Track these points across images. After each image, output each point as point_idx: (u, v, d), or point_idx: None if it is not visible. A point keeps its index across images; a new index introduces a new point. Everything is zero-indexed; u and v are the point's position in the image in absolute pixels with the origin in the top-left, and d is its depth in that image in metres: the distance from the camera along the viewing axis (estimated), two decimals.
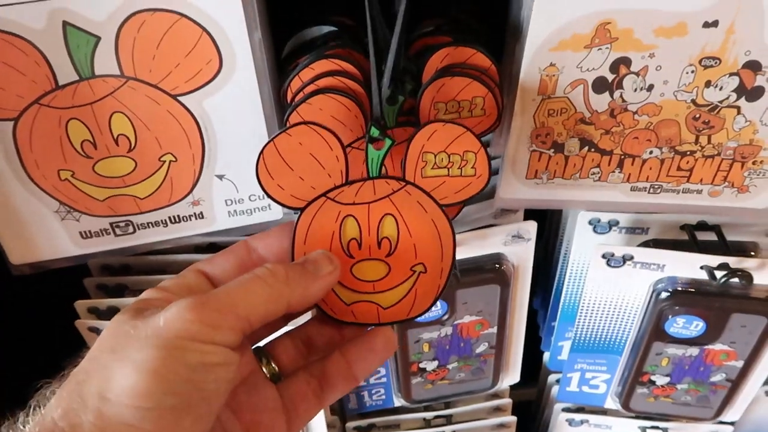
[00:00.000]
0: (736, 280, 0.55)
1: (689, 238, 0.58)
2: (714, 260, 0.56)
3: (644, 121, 0.47)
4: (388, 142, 0.40)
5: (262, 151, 0.39)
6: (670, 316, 0.59)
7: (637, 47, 0.43)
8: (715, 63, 0.44)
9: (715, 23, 0.42)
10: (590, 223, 0.59)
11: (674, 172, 0.50)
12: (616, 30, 0.43)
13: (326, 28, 0.46)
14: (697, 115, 0.46)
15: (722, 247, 0.58)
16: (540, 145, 0.48)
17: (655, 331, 0.61)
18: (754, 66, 0.44)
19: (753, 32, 0.42)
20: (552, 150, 0.48)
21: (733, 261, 0.56)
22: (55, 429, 0.31)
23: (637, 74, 0.44)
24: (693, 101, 0.46)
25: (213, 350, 0.33)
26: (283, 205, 0.41)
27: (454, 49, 0.43)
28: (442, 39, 0.45)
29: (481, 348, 0.65)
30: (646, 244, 0.61)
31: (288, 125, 0.41)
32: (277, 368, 0.41)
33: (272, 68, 0.45)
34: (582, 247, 0.61)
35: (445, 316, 0.60)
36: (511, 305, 0.62)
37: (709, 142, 0.48)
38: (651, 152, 0.48)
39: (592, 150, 0.49)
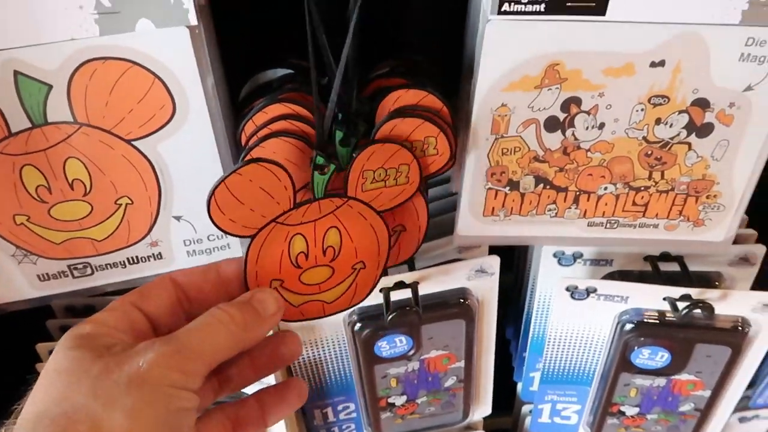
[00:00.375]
0: (698, 311, 0.56)
1: (652, 269, 0.59)
2: (676, 291, 0.56)
3: (597, 158, 0.47)
4: (332, 167, 0.43)
5: (213, 192, 0.41)
6: (635, 348, 0.59)
7: (587, 87, 0.44)
8: (664, 101, 0.44)
9: (661, 63, 0.43)
10: (555, 255, 0.60)
11: (630, 207, 0.50)
12: (564, 71, 0.43)
13: (282, 71, 0.46)
14: (649, 152, 0.47)
15: (685, 277, 0.58)
16: (495, 183, 0.49)
17: (621, 363, 0.61)
18: (702, 103, 0.44)
19: (699, 71, 0.43)
20: (507, 188, 0.49)
21: (695, 292, 0.56)
22: None
23: (588, 113, 0.45)
24: (644, 138, 0.46)
25: (188, 396, 0.35)
26: (234, 236, 0.43)
27: (406, 92, 0.44)
28: (395, 81, 0.45)
29: (450, 382, 0.64)
30: (611, 276, 0.61)
31: (238, 165, 0.41)
32: None
33: (228, 111, 0.46)
34: (547, 280, 0.61)
35: (411, 352, 0.60)
36: (478, 339, 0.61)
37: (662, 177, 0.48)
38: (605, 188, 0.49)
39: (548, 187, 0.49)
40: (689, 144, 0.46)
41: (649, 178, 0.48)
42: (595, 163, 0.48)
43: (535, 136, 0.46)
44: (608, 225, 0.51)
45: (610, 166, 0.48)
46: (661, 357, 0.60)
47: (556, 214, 0.50)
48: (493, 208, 0.50)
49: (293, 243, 0.44)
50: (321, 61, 0.42)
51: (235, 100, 0.48)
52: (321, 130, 0.43)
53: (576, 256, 0.59)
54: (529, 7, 0.40)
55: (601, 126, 0.46)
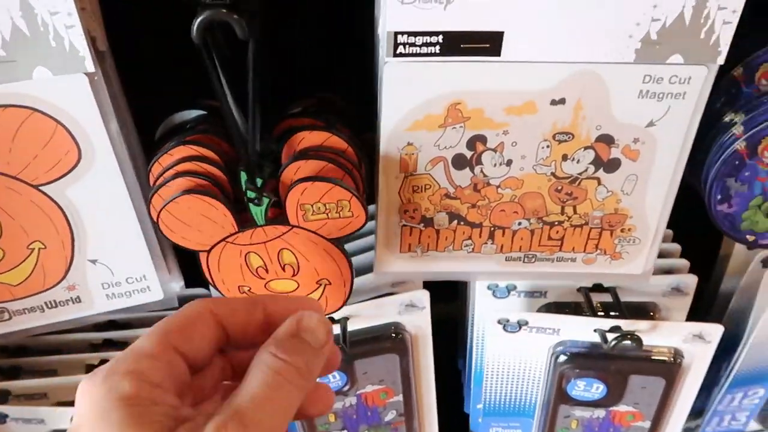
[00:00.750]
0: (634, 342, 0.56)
1: (584, 300, 0.59)
2: (606, 323, 0.56)
3: (508, 194, 0.47)
4: (266, 200, 0.44)
5: (157, 216, 0.43)
6: (570, 380, 0.59)
7: (490, 125, 0.44)
8: (569, 138, 0.44)
9: (562, 101, 0.43)
10: (489, 288, 0.60)
11: (546, 242, 0.50)
12: (467, 110, 0.43)
13: (195, 112, 0.47)
14: (559, 187, 0.47)
15: (618, 309, 0.58)
16: (409, 220, 0.48)
17: (558, 395, 0.61)
18: (606, 139, 0.44)
19: (600, 108, 0.43)
20: (422, 224, 0.49)
21: (625, 323, 0.56)
22: None
23: (494, 150, 0.45)
24: (553, 174, 0.46)
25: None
26: (191, 250, 0.45)
27: (310, 133, 0.44)
28: (306, 121, 0.45)
29: (390, 416, 0.64)
30: (547, 307, 0.61)
31: (175, 195, 0.43)
32: None
33: (139, 154, 0.46)
34: (483, 312, 0.61)
35: (346, 387, 0.60)
36: (416, 373, 0.61)
37: (575, 212, 0.48)
38: (520, 223, 0.49)
39: (462, 223, 0.49)
40: (598, 179, 0.46)
41: (562, 212, 0.48)
42: (507, 199, 0.47)
43: (444, 174, 0.46)
44: (526, 259, 0.51)
45: (521, 202, 0.48)
46: (596, 389, 0.60)
47: (472, 249, 0.50)
48: (410, 245, 0.50)
49: (249, 259, 0.47)
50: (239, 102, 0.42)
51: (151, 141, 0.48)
52: (248, 161, 0.42)
53: (510, 289, 0.59)
54: (424, 50, 0.40)
55: (509, 163, 0.46)
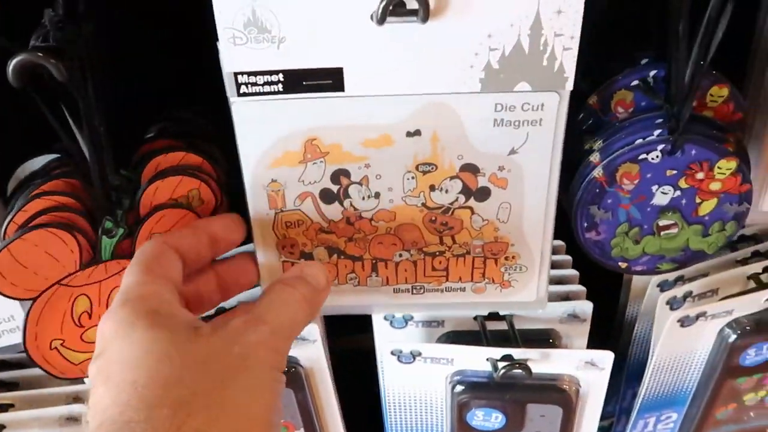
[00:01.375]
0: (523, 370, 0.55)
1: (480, 329, 0.58)
2: (497, 352, 0.55)
3: (383, 227, 0.46)
4: (121, 230, 0.44)
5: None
6: (470, 409, 0.58)
7: (351, 159, 0.43)
8: (432, 168, 0.44)
9: (417, 132, 0.42)
10: (386, 318, 0.59)
11: (431, 273, 0.49)
12: (324, 146, 0.43)
13: (50, 157, 0.46)
14: (433, 218, 0.46)
15: (513, 337, 0.58)
16: (289, 255, 0.47)
17: (460, 425, 0.60)
18: (471, 168, 0.44)
19: (458, 138, 0.43)
20: (302, 259, 0.48)
21: (518, 352, 0.56)
22: None
23: (360, 183, 0.44)
24: (424, 205, 0.45)
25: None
26: (15, 299, 0.44)
27: (164, 156, 0.44)
28: (161, 144, 0.46)
29: None
30: (446, 336, 0.60)
31: (24, 230, 0.42)
32: None
33: None
34: (381, 343, 0.60)
35: None
36: (316, 407, 0.60)
37: (454, 242, 0.47)
38: (401, 255, 0.48)
39: (342, 257, 0.48)
40: (471, 208, 0.46)
41: (441, 243, 0.47)
42: (383, 232, 0.47)
43: (314, 209, 0.45)
44: (414, 291, 0.50)
45: (398, 234, 0.47)
46: (496, 418, 0.59)
47: (358, 282, 0.49)
48: None
49: (77, 303, 0.45)
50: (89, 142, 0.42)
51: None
52: (100, 202, 0.43)
53: (407, 319, 0.59)
54: (267, 88, 0.39)
55: (377, 195, 0.45)
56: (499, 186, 0.45)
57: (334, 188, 0.45)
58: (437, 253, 0.48)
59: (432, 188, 0.45)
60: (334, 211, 0.46)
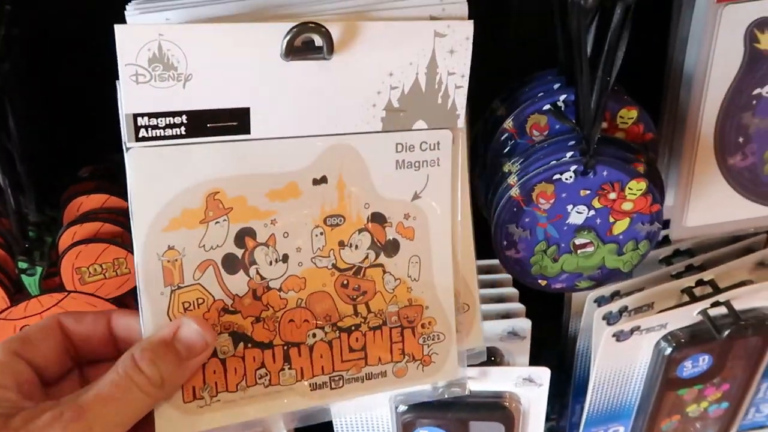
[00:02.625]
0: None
1: None
2: None
3: (293, 298, 0.41)
4: (38, 269, 0.44)
5: None
6: (414, 428, 0.58)
7: (257, 215, 0.39)
8: (340, 221, 0.40)
9: (324, 179, 0.39)
10: None
11: (348, 355, 0.42)
12: (227, 200, 0.38)
13: None
14: (345, 282, 0.42)
15: None
16: None
17: None
18: (378, 219, 0.41)
19: (363, 184, 0.40)
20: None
21: None
22: None
23: (267, 245, 0.40)
24: (334, 266, 0.41)
25: None
26: None
27: (87, 197, 0.44)
28: (88, 185, 0.45)
29: None
30: None
31: None
32: None
33: None
34: None
35: None
36: None
37: (369, 310, 0.42)
38: (314, 335, 0.42)
39: (250, 345, 0.40)
40: (382, 266, 0.42)
41: (356, 313, 0.42)
42: (293, 305, 0.41)
43: (216, 281, 0.40)
44: (333, 384, 0.42)
45: (310, 306, 0.41)
46: None
47: (269, 381, 0.41)
48: (194, 389, 0.39)
49: None
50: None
51: None
52: (16, 240, 0.43)
53: None
54: (168, 131, 0.36)
55: (285, 258, 0.40)
56: (406, 237, 0.42)
57: (239, 252, 0.39)
58: (353, 327, 0.42)
59: (342, 245, 0.41)
60: (238, 282, 0.40)
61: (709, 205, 0.52)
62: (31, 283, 0.44)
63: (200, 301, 0.39)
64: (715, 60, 0.46)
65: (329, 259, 0.41)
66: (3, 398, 0.33)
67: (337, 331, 0.42)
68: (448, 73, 0.39)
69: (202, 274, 0.39)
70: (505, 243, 0.47)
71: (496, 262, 0.58)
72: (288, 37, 0.35)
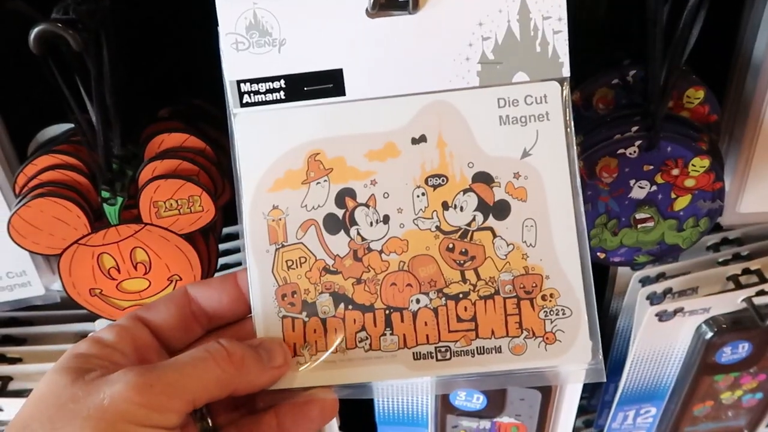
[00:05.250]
0: None
1: None
2: None
3: (395, 261, 0.38)
4: (119, 199, 0.45)
5: (9, 221, 0.43)
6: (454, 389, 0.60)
7: (356, 176, 0.37)
8: (443, 181, 0.38)
9: (423, 138, 0.37)
10: None
11: (456, 325, 0.38)
12: (327, 160, 0.37)
13: (66, 126, 0.47)
14: (451, 245, 0.38)
15: None
16: (290, 308, 0.38)
17: (443, 405, 0.58)
18: (484, 178, 0.38)
19: (465, 142, 0.37)
20: (304, 312, 0.38)
21: None
22: None
23: (367, 206, 0.38)
24: (438, 228, 0.38)
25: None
26: (40, 254, 0.45)
27: (169, 135, 0.44)
28: (169, 125, 0.45)
29: None
30: None
31: (26, 200, 0.43)
32: (211, 423, 0.38)
33: (13, 161, 0.47)
34: None
35: None
36: None
37: (479, 277, 0.38)
38: (418, 300, 0.38)
39: (350, 307, 0.38)
40: (492, 229, 0.38)
41: (464, 280, 0.38)
42: (395, 268, 0.38)
43: (318, 241, 0.38)
44: (439, 355, 0.38)
45: (413, 270, 0.38)
46: (477, 399, 0.59)
47: (370, 345, 0.38)
48: (295, 346, 0.38)
49: (102, 260, 0.45)
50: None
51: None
52: (101, 170, 0.44)
53: None
54: (269, 96, 0.36)
55: (386, 219, 0.38)
56: (518, 198, 0.38)
57: (339, 213, 0.38)
58: (461, 295, 0.38)
59: (445, 206, 0.38)
60: (339, 243, 0.38)
61: (764, 192, 0.51)
62: (111, 212, 0.44)
63: (302, 260, 0.38)
64: None
65: (432, 221, 0.38)
66: (109, 358, 0.33)
67: (444, 298, 0.38)
68: (543, 18, 0.36)
69: (304, 233, 0.38)
70: None
71: None
72: None
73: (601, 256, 0.49)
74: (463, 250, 0.38)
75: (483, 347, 0.39)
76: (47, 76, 0.40)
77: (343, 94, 0.37)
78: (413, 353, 0.39)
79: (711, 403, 0.64)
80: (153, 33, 0.50)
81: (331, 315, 0.39)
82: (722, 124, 0.49)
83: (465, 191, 0.38)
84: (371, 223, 0.38)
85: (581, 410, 0.67)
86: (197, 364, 0.33)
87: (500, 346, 0.39)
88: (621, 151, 0.44)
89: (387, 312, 0.39)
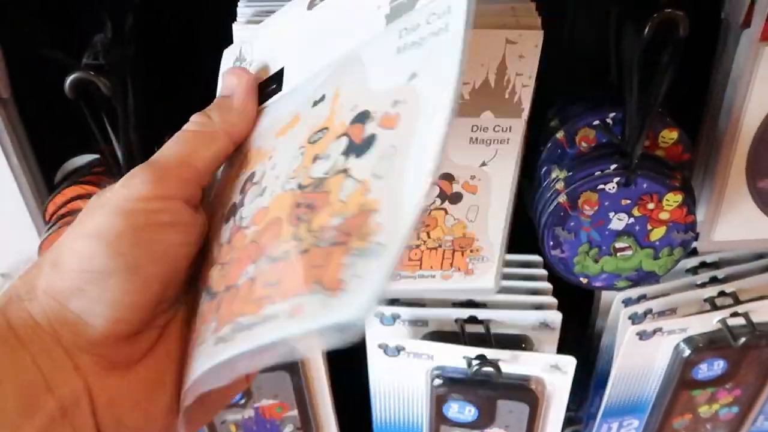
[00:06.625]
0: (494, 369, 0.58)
1: (459, 330, 0.64)
2: (473, 351, 0.60)
3: (250, 234, 0.34)
4: None
5: (40, 246, 0.46)
6: (446, 402, 0.60)
7: (262, 157, 0.35)
8: (323, 134, 0.32)
9: (322, 98, 0.33)
10: (376, 315, 0.65)
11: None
12: (252, 153, 0.36)
13: (89, 157, 0.50)
14: (299, 201, 0.30)
15: (488, 339, 0.64)
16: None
17: (437, 416, 0.61)
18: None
19: (357, 87, 0.32)
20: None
21: (491, 353, 0.61)
22: (14, 290, 0.30)
23: (258, 183, 0.34)
24: (300, 186, 0.32)
25: (161, 207, 0.30)
26: None
27: None
28: None
29: (288, 429, 0.69)
30: (429, 335, 0.67)
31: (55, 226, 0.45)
32: None
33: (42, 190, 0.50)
34: (373, 337, 0.62)
35: (243, 400, 0.64)
36: (309, 390, 0.64)
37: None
38: (246, 273, 0.32)
39: (208, 299, 0.35)
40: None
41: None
42: (247, 242, 0.33)
43: (215, 239, 0.36)
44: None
45: (260, 239, 0.33)
46: (469, 411, 0.61)
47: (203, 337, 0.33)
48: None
49: None
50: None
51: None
52: None
53: (395, 317, 0.65)
54: None
55: (263, 192, 0.33)
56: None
57: (238, 199, 0.35)
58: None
59: (315, 159, 0.32)
60: (226, 231, 0.35)
61: (736, 222, 0.53)
62: None
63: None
64: (753, 93, 0.48)
65: (297, 180, 0.31)
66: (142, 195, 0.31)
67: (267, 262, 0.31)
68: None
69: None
70: (551, 243, 0.51)
71: (533, 257, 0.63)
72: None
73: (584, 281, 0.53)
74: (309, 203, 0.30)
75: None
76: (78, 115, 0.43)
77: (281, 89, 0.37)
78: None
79: (690, 416, 0.67)
80: (175, 70, 0.52)
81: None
82: (696, 160, 0.52)
83: (339, 137, 0.30)
84: (251, 201, 0.33)
85: (568, 422, 0.71)
86: (180, 138, 0.34)
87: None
88: (601, 186, 0.48)
89: (223, 294, 0.32)
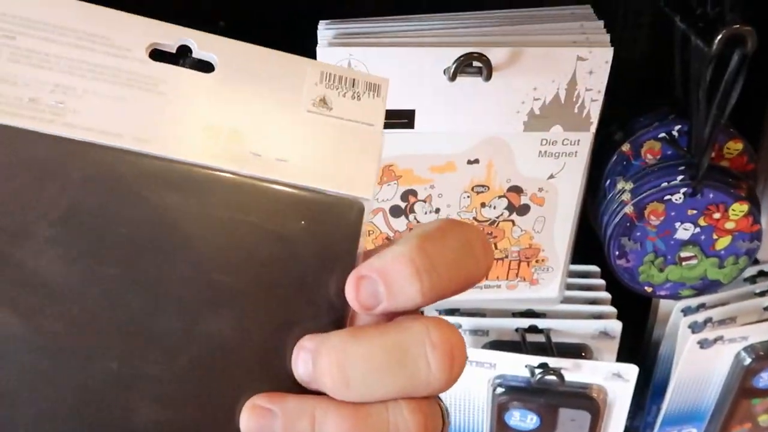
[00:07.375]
0: (557, 377, 0.59)
1: (521, 340, 0.65)
2: (535, 360, 0.61)
3: None
4: None
5: None
6: (508, 410, 0.62)
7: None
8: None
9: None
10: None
11: None
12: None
13: None
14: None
15: (549, 348, 0.65)
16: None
17: (499, 424, 0.60)
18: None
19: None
20: None
21: (552, 361, 0.62)
22: None
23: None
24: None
25: None
26: None
27: None
28: None
29: None
30: (491, 344, 0.68)
31: None
32: None
33: None
34: None
35: None
36: None
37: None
38: None
39: None
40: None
41: None
42: None
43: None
44: None
45: None
46: (531, 420, 0.62)
47: None
48: None
49: None
50: None
51: None
52: None
53: (456, 327, 0.66)
54: None
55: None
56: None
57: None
58: None
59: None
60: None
61: None
62: None
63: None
64: None
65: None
66: None
67: None
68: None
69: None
70: (617, 253, 0.52)
71: (591, 267, 0.64)
72: (455, 64, 0.41)
73: (649, 290, 0.54)
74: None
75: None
76: None
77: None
78: None
79: (749, 425, 0.67)
80: None
81: None
82: (759, 171, 0.54)
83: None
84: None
85: (626, 431, 0.71)
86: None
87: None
88: (668, 197, 0.49)
89: None
